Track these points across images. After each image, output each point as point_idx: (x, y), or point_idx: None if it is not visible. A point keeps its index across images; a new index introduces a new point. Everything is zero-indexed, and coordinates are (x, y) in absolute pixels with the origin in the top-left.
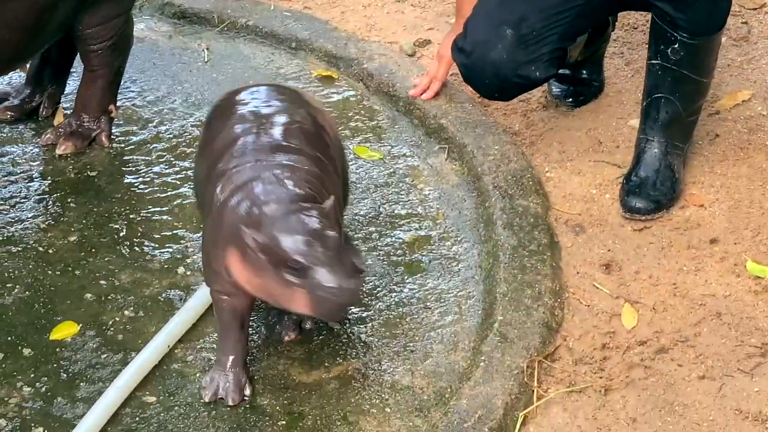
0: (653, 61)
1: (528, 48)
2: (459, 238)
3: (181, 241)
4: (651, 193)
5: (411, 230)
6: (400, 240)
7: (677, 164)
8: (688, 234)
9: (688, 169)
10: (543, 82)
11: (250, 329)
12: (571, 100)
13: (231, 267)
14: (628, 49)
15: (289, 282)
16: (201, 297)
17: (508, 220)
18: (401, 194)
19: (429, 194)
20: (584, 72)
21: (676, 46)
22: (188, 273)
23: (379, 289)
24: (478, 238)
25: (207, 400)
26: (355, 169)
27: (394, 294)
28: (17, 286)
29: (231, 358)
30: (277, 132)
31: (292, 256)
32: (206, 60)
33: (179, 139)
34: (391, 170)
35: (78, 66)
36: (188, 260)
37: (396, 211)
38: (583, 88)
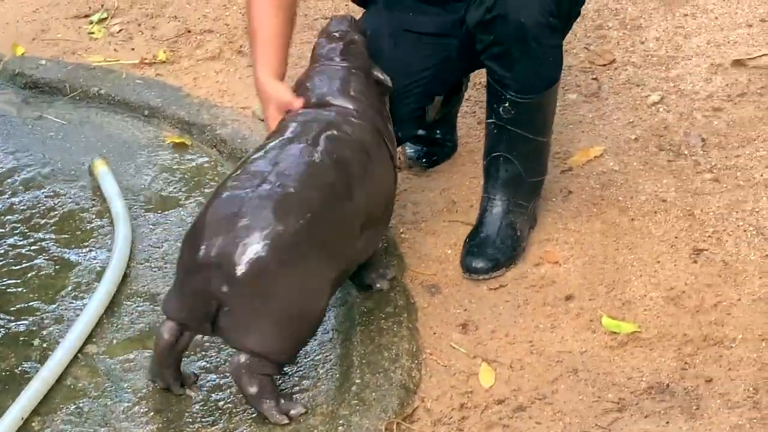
0: (489, 120)
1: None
2: None
3: (36, 313)
4: (490, 251)
5: None
6: None
7: (520, 222)
8: (544, 291)
9: (542, 227)
10: (404, 142)
11: None
12: (425, 160)
13: None
14: (480, 108)
15: None
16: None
17: None
18: None
19: None
20: (438, 132)
21: (507, 104)
22: (44, 344)
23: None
24: (335, 302)
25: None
26: None
27: None
28: None
29: None
30: None
31: None
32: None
33: (33, 211)
34: None
35: None
36: (44, 332)
37: None
38: (436, 148)
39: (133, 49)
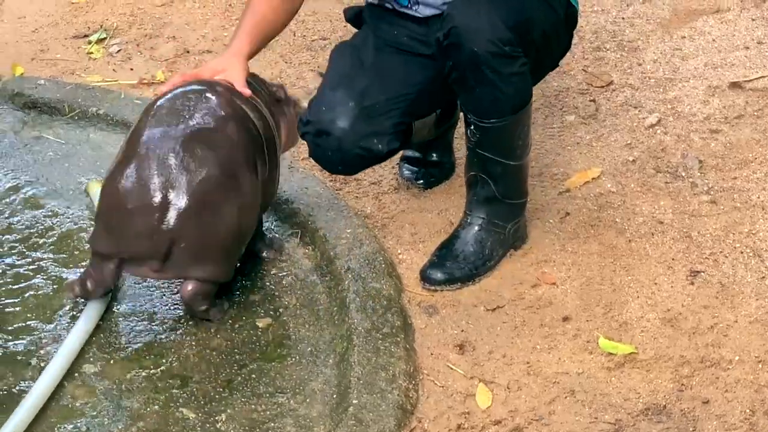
0: (466, 142)
1: (370, 120)
2: (312, 323)
3: (34, 333)
4: (448, 265)
5: (265, 316)
6: (255, 327)
7: (492, 242)
8: (541, 312)
9: (539, 248)
10: (386, 155)
11: None
12: (422, 181)
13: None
14: None
15: None
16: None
17: (361, 303)
18: (254, 280)
19: (282, 279)
20: (434, 154)
21: (472, 127)
22: (42, 364)
23: (233, 376)
24: (332, 322)
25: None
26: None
27: (250, 381)
28: None
29: None
30: None
31: None
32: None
33: (31, 230)
34: (243, 257)
35: None
36: (41, 351)
37: (249, 298)
38: (434, 169)
39: (131, 69)
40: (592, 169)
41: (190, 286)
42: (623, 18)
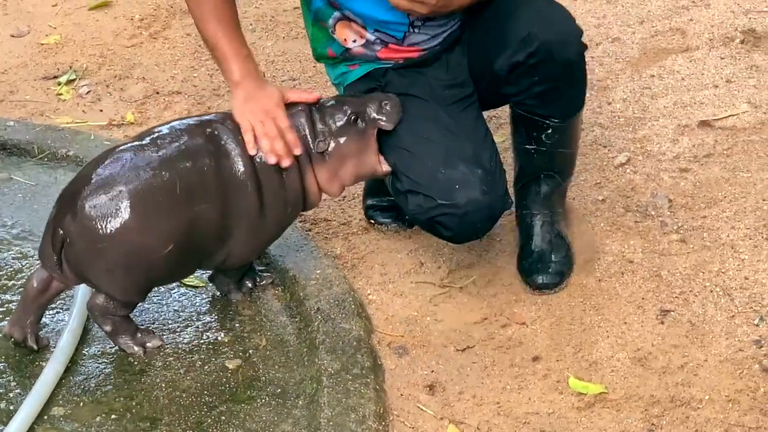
0: (528, 147)
1: (495, 179)
2: (282, 364)
3: (3, 376)
4: (553, 266)
5: (235, 357)
6: (225, 368)
7: (563, 228)
8: (511, 352)
9: (509, 287)
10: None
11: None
12: (395, 225)
13: (321, 180)
14: None
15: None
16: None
17: (330, 345)
18: (224, 321)
19: (251, 320)
20: None
21: (550, 131)
22: (11, 407)
23: (203, 417)
24: (301, 363)
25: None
26: (177, 297)
27: (220, 423)
28: None
29: None
30: None
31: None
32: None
33: (0, 272)
34: (213, 297)
35: None
36: (10, 394)
37: (219, 339)
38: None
39: (101, 110)
40: None
41: (91, 296)
42: (592, 57)
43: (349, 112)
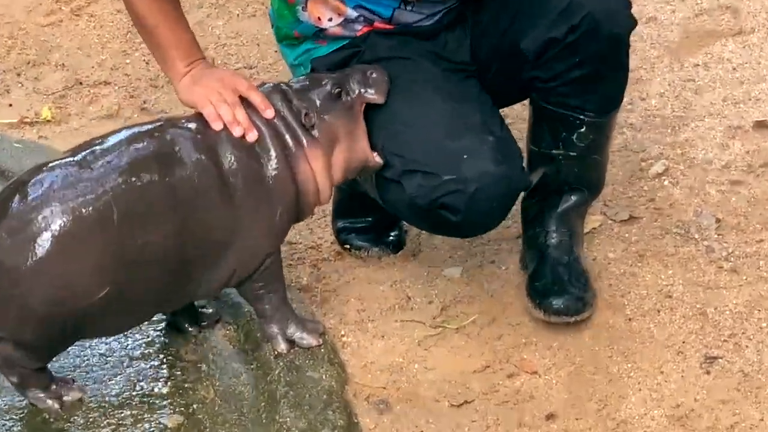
0: (555, 152)
1: (511, 149)
2: (234, 422)
3: None
4: (572, 289)
5: (174, 413)
6: (162, 426)
7: (581, 254)
8: (519, 408)
9: (517, 328)
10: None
11: None
12: (376, 249)
13: (316, 169)
14: None
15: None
16: None
17: (295, 398)
18: (162, 368)
19: (196, 367)
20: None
21: (583, 129)
22: None
23: None
24: (258, 421)
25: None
26: (105, 338)
27: None
28: None
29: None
30: None
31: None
32: None
33: None
34: (150, 339)
35: None
36: None
37: (156, 390)
38: (393, 233)
39: (10, 105)
40: (586, 222)
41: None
42: None
43: (330, 84)
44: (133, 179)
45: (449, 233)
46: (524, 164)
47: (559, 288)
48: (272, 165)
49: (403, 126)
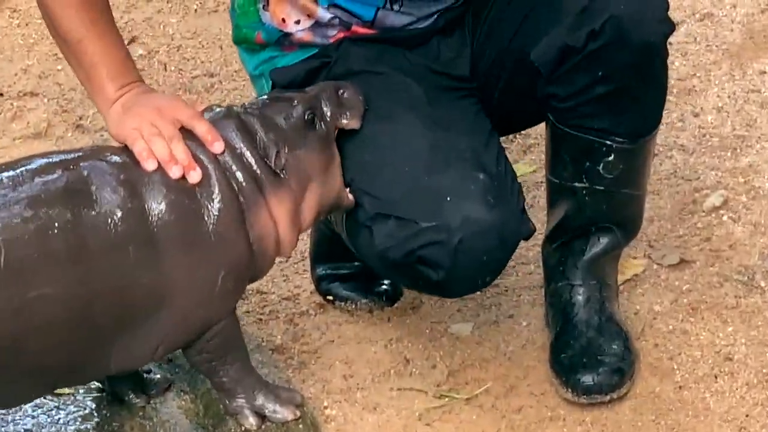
0: (577, 185)
1: (505, 188)
2: None
3: None
4: (607, 360)
5: None
6: None
7: (617, 310)
8: None
9: (543, 397)
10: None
11: None
12: (365, 301)
13: (279, 219)
14: None
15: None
16: None
17: None
18: None
19: None
20: None
21: (611, 158)
22: None
23: None
24: None
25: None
26: (30, 411)
27: None
28: None
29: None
30: None
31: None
32: None
33: None
34: (87, 411)
35: None
36: None
37: None
38: (383, 287)
39: None
40: (626, 271)
41: None
42: (670, 44)
43: (301, 107)
44: (31, 217)
45: (432, 292)
46: (523, 206)
47: (589, 360)
48: (216, 214)
49: (373, 158)
